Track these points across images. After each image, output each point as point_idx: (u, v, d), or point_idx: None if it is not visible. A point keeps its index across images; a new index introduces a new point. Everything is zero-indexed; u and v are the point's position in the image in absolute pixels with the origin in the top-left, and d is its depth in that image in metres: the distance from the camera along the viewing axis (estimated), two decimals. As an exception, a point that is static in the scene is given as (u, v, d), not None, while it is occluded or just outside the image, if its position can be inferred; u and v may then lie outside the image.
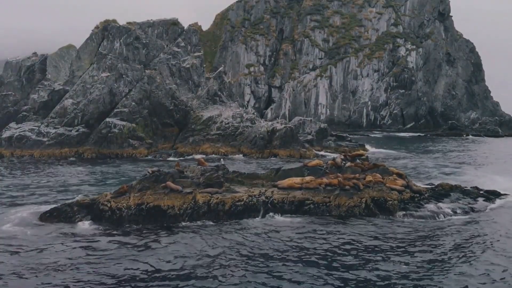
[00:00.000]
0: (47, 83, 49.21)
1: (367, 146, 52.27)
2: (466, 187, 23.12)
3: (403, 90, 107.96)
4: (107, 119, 43.19)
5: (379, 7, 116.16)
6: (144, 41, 50.22)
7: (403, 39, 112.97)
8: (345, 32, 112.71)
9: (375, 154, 45.32)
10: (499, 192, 22.41)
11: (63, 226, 16.09)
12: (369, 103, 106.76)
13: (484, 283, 11.49)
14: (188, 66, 50.39)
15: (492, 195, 21.94)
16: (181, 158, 39.88)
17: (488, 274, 12.06)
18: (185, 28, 55.93)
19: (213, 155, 42.14)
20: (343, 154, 23.52)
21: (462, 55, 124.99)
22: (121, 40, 48.94)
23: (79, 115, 43.55)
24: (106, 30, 49.96)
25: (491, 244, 14.68)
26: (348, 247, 14.24)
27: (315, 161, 22.10)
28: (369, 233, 15.73)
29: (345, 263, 12.86)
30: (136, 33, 49.99)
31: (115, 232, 15.53)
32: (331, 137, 51.34)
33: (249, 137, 45.08)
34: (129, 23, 52.19)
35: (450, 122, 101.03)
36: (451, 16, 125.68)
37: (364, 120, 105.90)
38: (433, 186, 23.34)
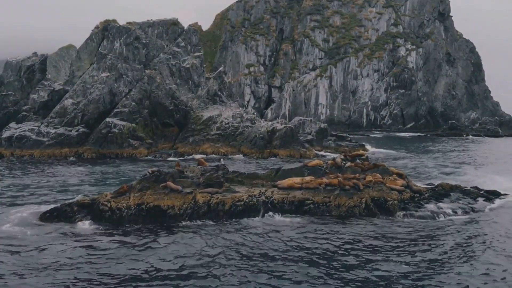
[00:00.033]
0: (47, 83, 49.19)
1: (367, 146, 52.28)
2: (466, 187, 23.13)
3: (403, 90, 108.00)
4: (107, 119, 43.18)
5: (379, 7, 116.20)
6: (144, 41, 50.24)
7: (403, 39, 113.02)
8: (345, 32, 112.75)
9: (375, 154, 45.32)
10: (499, 192, 22.43)
11: (63, 226, 16.08)
12: (369, 103, 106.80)
13: (484, 283, 11.49)
14: (188, 66, 50.40)
15: (492, 195, 21.94)
16: (181, 158, 39.87)
17: (488, 274, 12.06)
18: (185, 28, 55.96)
19: (213, 155, 42.12)
20: (343, 154, 23.52)
21: (462, 55, 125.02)
22: (121, 40, 48.96)
23: (79, 115, 43.54)
24: (106, 30, 49.99)
25: (491, 244, 14.67)
26: (348, 247, 14.23)
27: (315, 161, 22.10)
28: (369, 233, 15.72)
29: (345, 263, 12.86)
30: (136, 33, 50.01)
31: (115, 232, 15.52)
32: (331, 137, 51.35)
33: (249, 137, 45.08)
34: (129, 23, 52.23)
35: (450, 122, 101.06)
36: (451, 16, 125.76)
37: (364, 120, 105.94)
38: (433, 186, 23.34)
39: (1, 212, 18.19)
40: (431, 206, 19.22)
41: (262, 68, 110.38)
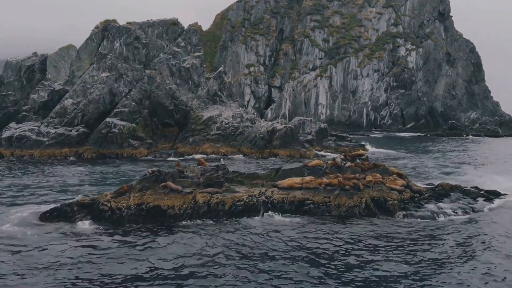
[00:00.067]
0: (47, 83, 49.19)
1: (367, 146, 52.27)
2: (466, 187, 23.13)
3: (403, 90, 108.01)
4: (107, 119, 43.18)
5: (379, 7, 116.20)
6: (144, 41, 50.24)
7: (403, 39, 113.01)
8: (345, 32, 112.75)
9: (375, 154, 45.32)
10: (499, 192, 22.43)
11: (63, 226, 16.09)
12: (369, 103, 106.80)
13: (484, 283, 11.49)
14: (188, 66, 50.40)
15: (492, 195, 21.95)
16: (181, 158, 39.87)
17: (488, 273, 12.06)
18: (185, 28, 55.95)
19: (213, 155, 42.12)
20: (343, 154, 23.52)
21: (462, 55, 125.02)
22: (121, 40, 48.95)
23: (79, 115, 43.54)
24: (106, 30, 49.98)
25: (491, 244, 14.69)
26: (348, 247, 14.24)
27: (315, 161, 22.10)
28: (369, 233, 15.73)
29: (345, 263, 12.86)
30: (136, 33, 50.01)
31: (115, 232, 15.52)
32: (331, 137, 51.35)
33: (249, 137, 45.09)
34: (129, 23, 52.23)
35: (450, 122, 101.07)
36: (451, 16, 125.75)
37: (364, 120, 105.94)
38: (433, 186, 23.34)
39: (1, 212, 18.20)
40: (431, 206, 19.23)
41: (262, 68, 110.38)
